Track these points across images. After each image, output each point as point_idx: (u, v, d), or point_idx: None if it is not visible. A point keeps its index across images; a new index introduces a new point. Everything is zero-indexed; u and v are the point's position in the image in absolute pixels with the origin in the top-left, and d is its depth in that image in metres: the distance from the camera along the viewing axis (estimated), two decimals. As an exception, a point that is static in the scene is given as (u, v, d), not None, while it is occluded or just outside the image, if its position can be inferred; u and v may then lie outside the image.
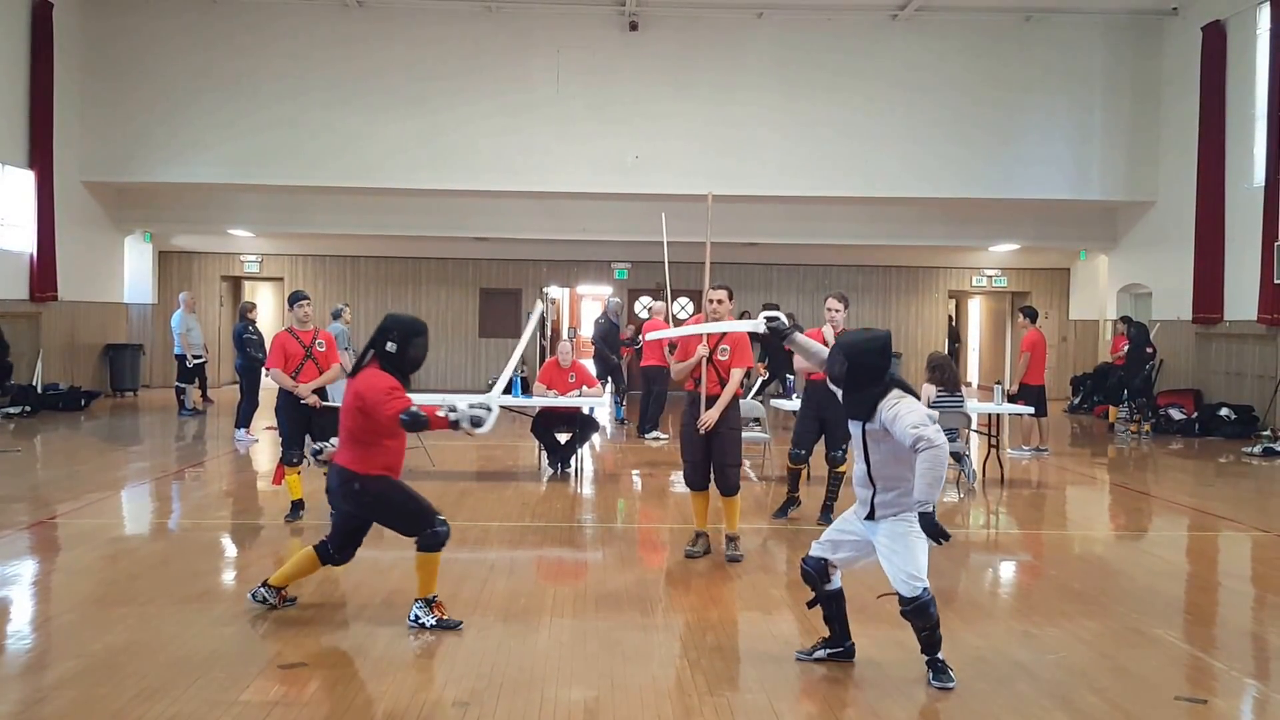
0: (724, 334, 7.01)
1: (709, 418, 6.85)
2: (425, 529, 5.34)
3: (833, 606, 4.90)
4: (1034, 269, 21.77)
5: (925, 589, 4.56)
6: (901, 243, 19.89)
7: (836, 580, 4.90)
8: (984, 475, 10.75)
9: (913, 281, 21.69)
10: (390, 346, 5.31)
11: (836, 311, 8.06)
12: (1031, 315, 12.87)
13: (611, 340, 15.28)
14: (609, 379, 15.28)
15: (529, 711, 4.31)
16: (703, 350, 6.96)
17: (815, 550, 4.88)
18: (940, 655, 4.67)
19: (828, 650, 4.93)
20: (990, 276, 22.11)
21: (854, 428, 4.75)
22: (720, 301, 7.05)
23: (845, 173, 17.09)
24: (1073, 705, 4.47)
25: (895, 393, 4.59)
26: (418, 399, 5.24)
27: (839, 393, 4.79)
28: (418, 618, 5.39)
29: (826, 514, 8.14)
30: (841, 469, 8.20)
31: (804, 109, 17.09)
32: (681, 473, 7.20)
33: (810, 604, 4.95)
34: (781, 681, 4.73)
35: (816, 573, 4.85)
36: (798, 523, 8.33)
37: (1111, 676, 4.87)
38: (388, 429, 5.24)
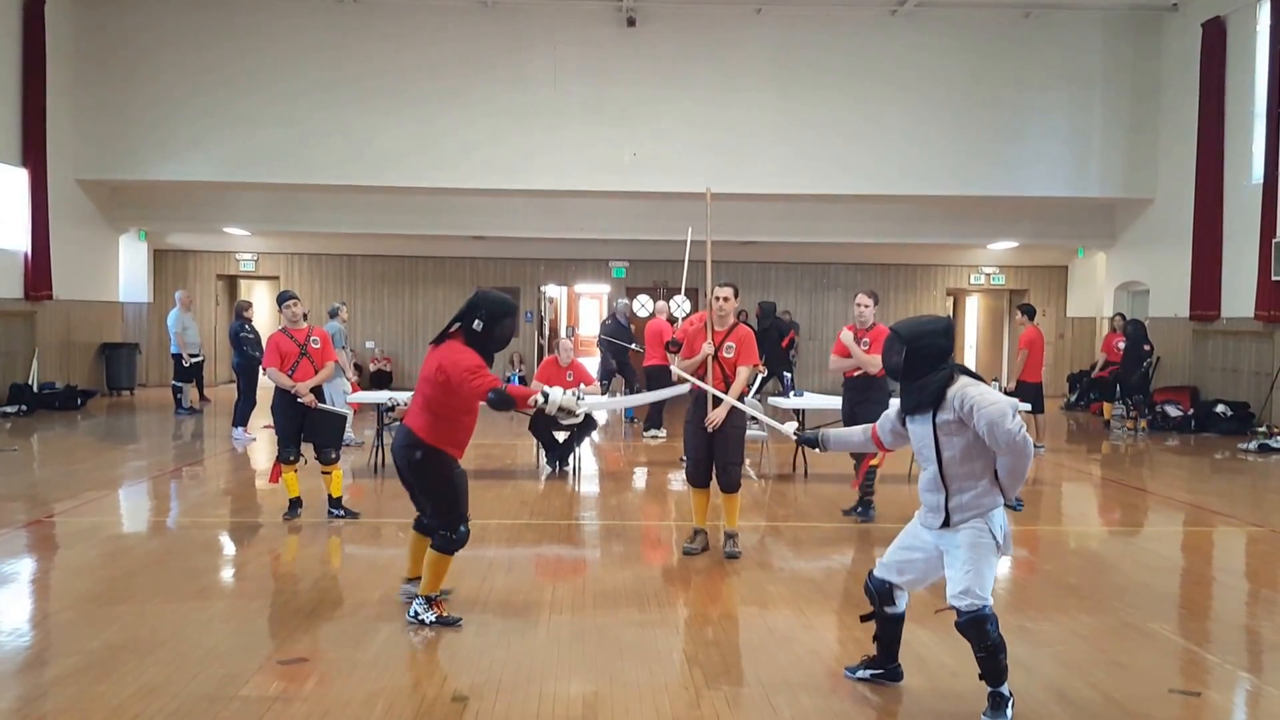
0: (730, 330, 7.08)
1: (716, 416, 6.85)
2: (450, 526, 5.33)
3: (887, 630, 4.54)
4: (1032, 267, 21.81)
5: (987, 605, 4.13)
6: (900, 241, 19.90)
7: (901, 604, 4.50)
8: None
9: (911, 279, 21.73)
10: (477, 324, 5.26)
11: (866, 308, 8.08)
12: (1030, 313, 12.88)
13: (621, 339, 14.96)
14: (619, 377, 15.18)
15: (528, 706, 4.33)
16: (708, 348, 6.99)
17: (879, 571, 4.49)
18: (1006, 689, 4.18)
19: (871, 671, 4.62)
20: (988, 274, 22.15)
21: (917, 425, 4.29)
22: (726, 299, 7.12)
23: (844, 170, 17.11)
24: (1068, 698, 4.50)
25: (964, 379, 4.17)
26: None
27: (895, 387, 4.58)
28: (417, 614, 5.40)
29: (863, 509, 8.30)
30: (875, 462, 8.27)
31: (802, 106, 17.09)
32: (681, 471, 7.22)
33: (865, 618, 4.62)
34: (778, 676, 4.75)
35: (879, 594, 4.48)
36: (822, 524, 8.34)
37: (1106, 670, 4.90)
38: (465, 405, 5.23)
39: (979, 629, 4.10)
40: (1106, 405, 15.90)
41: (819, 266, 21.55)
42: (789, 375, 14.36)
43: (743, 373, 7.03)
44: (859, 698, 4.48)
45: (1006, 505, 4.17)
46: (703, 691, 4.53)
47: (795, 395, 11.20)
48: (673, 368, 7.24)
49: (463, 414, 5.33)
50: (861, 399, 8.08)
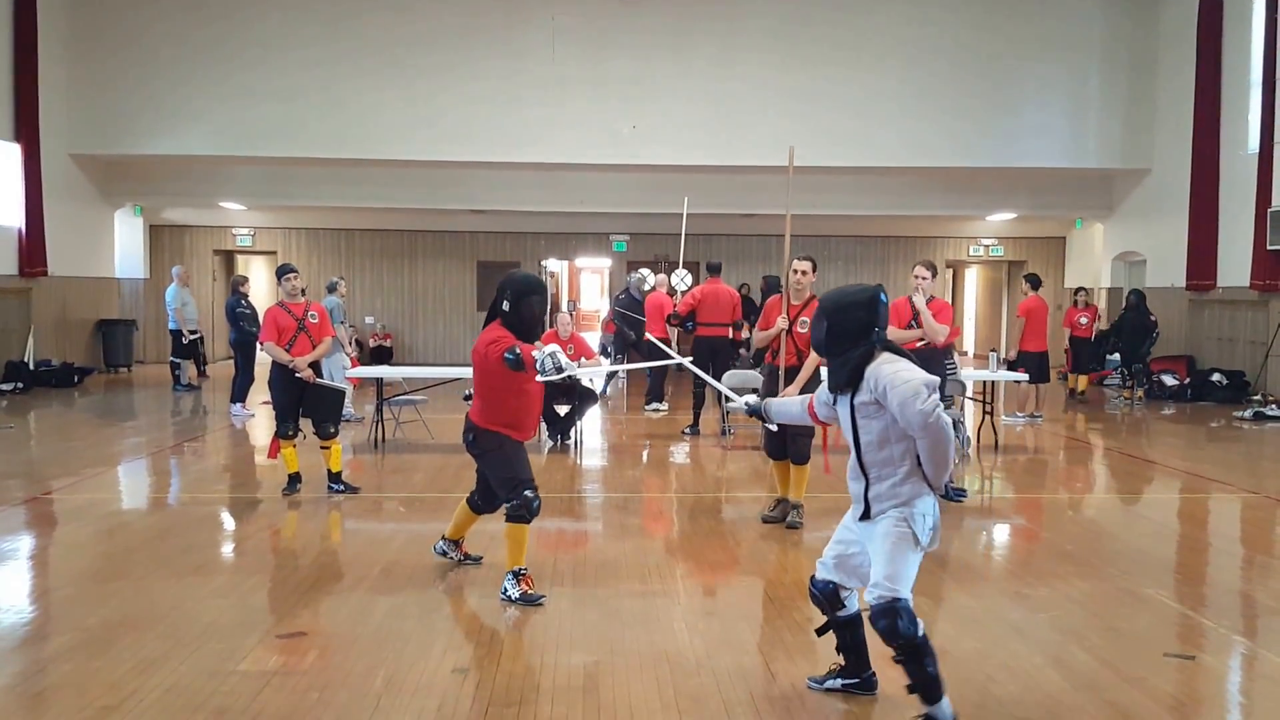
0: (805, 305, 7.12)
1: (790, 393, 6.78)
2: (513, 495, 5.38)
3: (847, 635, 4.11)
4: (1030, 238, 21.77)
5: (900, 600, 3.70)
6: (899, 213, 19.85)
7: (852, 605, 4.09)
8: (978, 441, 10.80)
9: (910, 252, 21.66)
10: (505, 305, 5.38)
11: (925, 279, 7.99)
12: (1034, 282, 12.87)
13: (636, 313, 14.67)
14: (634, 352, 15.05)
15: (529, 677, 4.35)
16: (782, 322, 7.04)
17: (820, 573, 4.09)
18: (944, 711, 3.70)
19: (842, 681, 4.17)
20: (987, 246, 22.11)
21: (840, 406, 3.96)
22: (805, 273, 7.16)
23: (843, 143, 17.00)
24: (1064, 663, 4.52)
25: (885, 355, 3.83)
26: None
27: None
28: (505, 590, 5.39)
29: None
30: None
31: (802, 78, 16.96)
32: (684, 444, 7.18)
33: (820, 631, 4.22)
34: (778, 645, 4.77)
35: (825, 597, 4.06)
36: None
37: (1102, 635, 4.92)
38: (506, 384, 5.31)
39: (888, 623, 3.66)
40: (1082, 378, 15.40)
41: (819, 239, 21.46)
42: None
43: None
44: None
45: (943, 496, 3.87)
46: (703, 661, 4.55)
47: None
48: (754, 338, 7.53)
49: (507, 394, 5.39)
50: (926, 371, 8.04)
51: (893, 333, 8.08)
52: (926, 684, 3.70)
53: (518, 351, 5.09)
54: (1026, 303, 12.71)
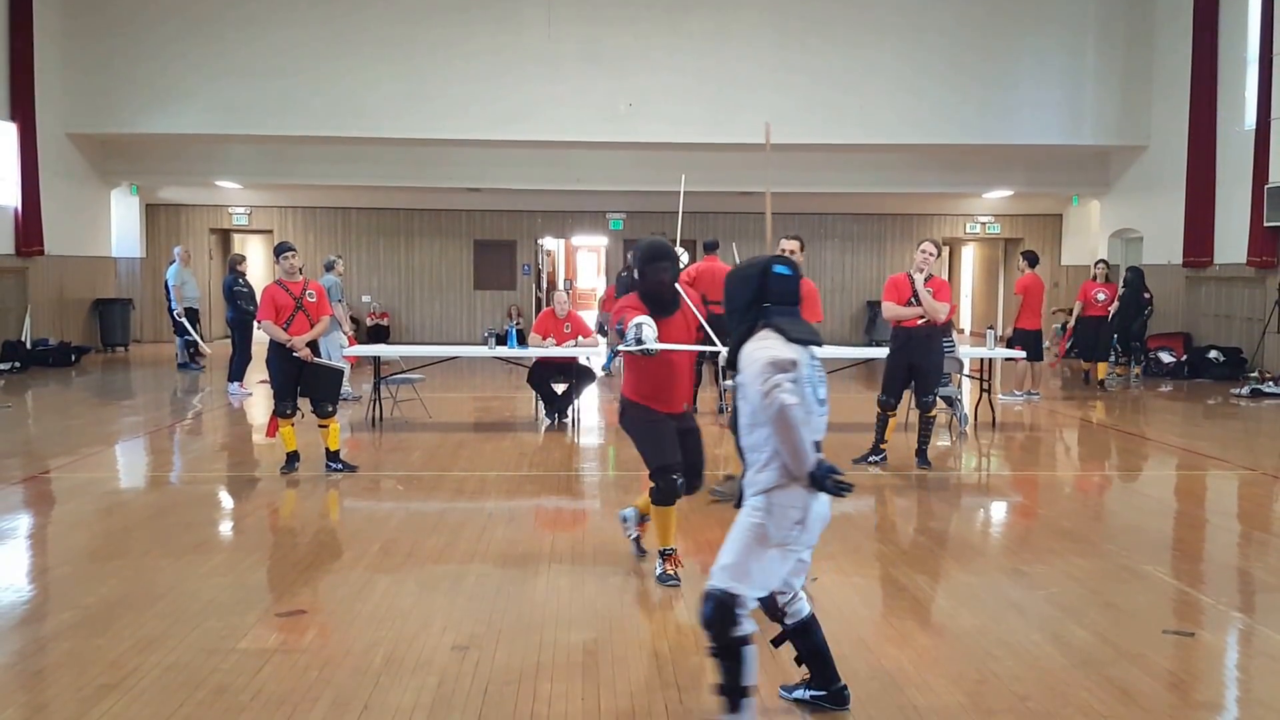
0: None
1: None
2: (655, 477, 5.28)
3: (801, 643, 3.75)
4: (1027, 215, 21.73)
5: (725, 591, 3.39)
6: (895, 190, 19.82)
7: (801, 610, 3.71)
8: (976, 419, 10.82)
9: (907, 229, 21.63)
10: (635, 273, 5.28)
11: (930, 255, 7.98)
12: (1031, 259, 12.82)
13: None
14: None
15: (528, 653, 4.36)
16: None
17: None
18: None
19: (810, 693, 3.81)
20: (984, 223, 22.07)
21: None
22: (793, 252, 7.44)
23: (839, 120, 16.94)
24: (1062, 640, 4.54)
25: (763, 333, 3.47)
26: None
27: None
28: (660, 570, 5.35)
29: (922, 458, 8.30)
30: (932, 414, 8.31)
31: (797, 54, 16.88)
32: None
33: (775, 642, 3.80)
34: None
35: (766, 608, 3.70)
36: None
37: (1101, 611, 4.94)
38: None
39: (706, 610, 3.42)
40: (1100, 365, 13.98)
41: (815, 217, 21.43)
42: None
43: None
44: (860, 643, 4.49)
45: (815, 487, 3.36)
46: (702, 639, 4.54)
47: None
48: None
49: (644, 365, 5.21)
50: (925, 349, 8.08)
51: (892, 309, 8.08)
52: (730, 691, 3.42)
53: (625, 320, 4.99)
54: (1024, 280, 12.69)
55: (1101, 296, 13.75)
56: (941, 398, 9.31)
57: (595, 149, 18.09)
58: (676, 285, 5.31)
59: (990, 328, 12.39)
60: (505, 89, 16.64)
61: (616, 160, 18.48)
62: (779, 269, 3.56)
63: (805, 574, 3.73)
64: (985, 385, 11.06)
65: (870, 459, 8.39)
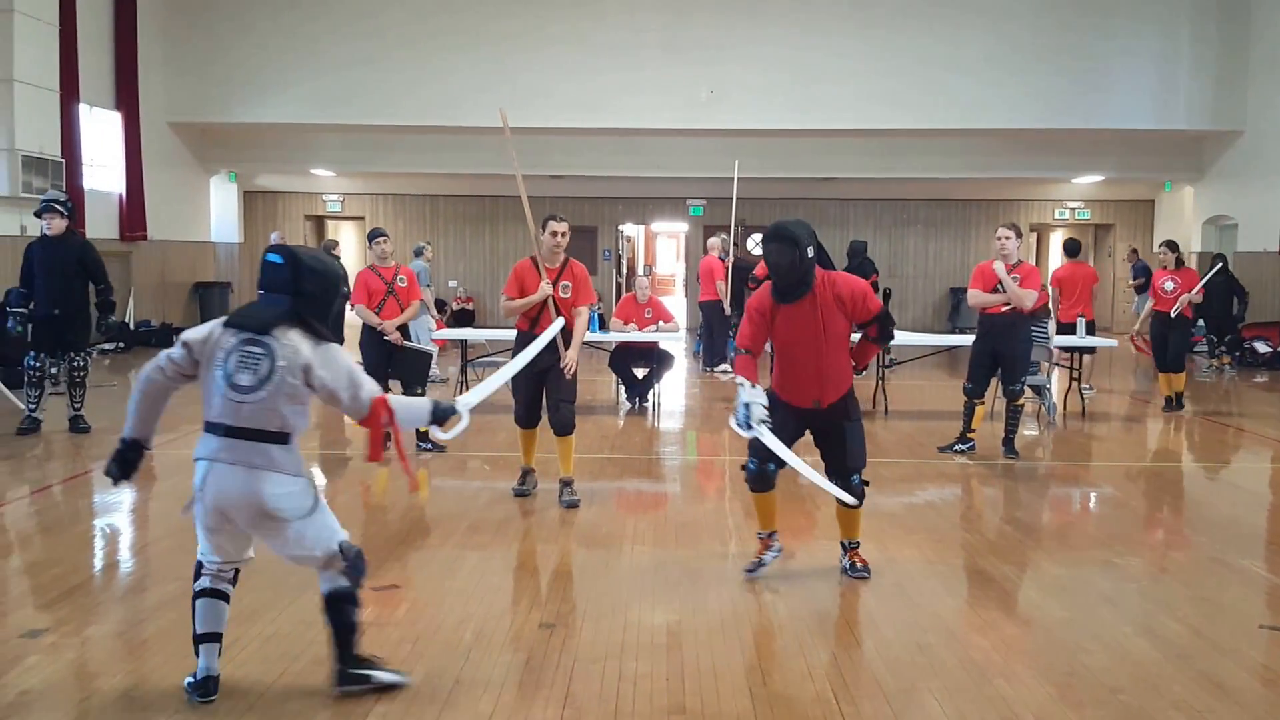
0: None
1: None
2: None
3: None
4: (1118, 201, 21.12)
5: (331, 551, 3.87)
6: (981, 175, 19.40)
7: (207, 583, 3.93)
8: (1064, 408, 10.59)
9: (992, 215, 21.15)
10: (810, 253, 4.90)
11: (1009, 239, 7.80)
12: (1070, 249, 11.61)
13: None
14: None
15: (613, 633, 4.43)
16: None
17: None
18: (363, 672, 3.81)
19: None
20: (1073, 209, 21.51)
21: None
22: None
23: (924, 104, 16.66)
24: (1155, 633, 4.45)
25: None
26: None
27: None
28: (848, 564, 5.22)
29: (1009, 447, 8.17)
30: (1020, 402, 8.14)
31: (881, 38, 16.62)
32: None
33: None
34: (861, 609, 4.78)
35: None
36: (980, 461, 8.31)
37: (1194, 605, 4.83)
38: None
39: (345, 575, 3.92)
40: (1177, 377, 10.75)
41: (898, 203, 21.11)
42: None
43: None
44: (947, 633, 4.47)
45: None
46: (786, 625, 4.59)
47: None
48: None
49: (778, 354, 5.09)
50: (1010, 337, 7.92)
51: (976, 296, 7.94)
52: (347, 642, 3.84)
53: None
54: (1059, 271, 11.64)
55: (1169, 287, 10.77)
56: (1030, 386, 9.13)
57: (675, 135, 18.07)
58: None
59: (1080, 315, 12.05)
60: (587, 77, 16.72)
61: (697, 146, 18.44)
62: (268, 257, 3.74)
63: (249, 547, 3.99)
64: (1075, 374, 10.82)
65: (956, 447, 8.29)
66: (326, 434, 9.50)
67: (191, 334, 3.72)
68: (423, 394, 8.28)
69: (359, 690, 3.78)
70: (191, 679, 3.75)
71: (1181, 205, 19.58)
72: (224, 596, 3.83)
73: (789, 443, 4.92)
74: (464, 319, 20.59)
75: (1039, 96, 16.63)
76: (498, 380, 4.26)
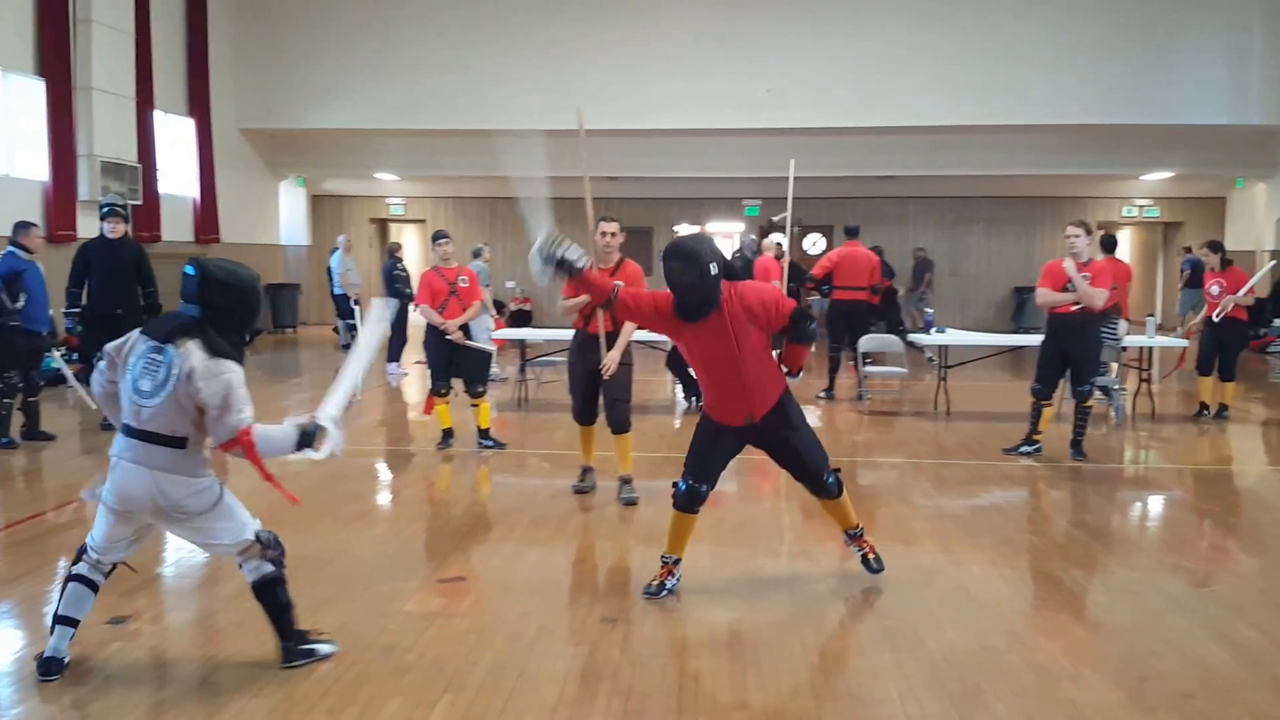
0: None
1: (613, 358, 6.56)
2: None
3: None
4: (1186, 198, 20.63)
5: (248, 541, 4.16)
6: (1046, 172, 19.06)
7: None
8: (1134, 409, 10.38)
9: (1059, 212, 20.77)
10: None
11: (1077, 238, 7.69)
12: (1107, 244, 10.53)
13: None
14: None
15: (674, 629, 4.47)
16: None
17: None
18: (308, 646, 4.06)
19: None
20: (1141, 206, 21.06)
21: None
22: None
23: (987, 99, 16.42)
24: (1229, 639, 4.36)
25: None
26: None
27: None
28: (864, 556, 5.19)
29: (1077, 449, 8.07)
30: (1089, 403, 8.02)
31: (939, 34, 16.42)
32: (819, 407, 7.10)
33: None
34: (924, 611, 4.72)
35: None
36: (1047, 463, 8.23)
37: (1269, 611, 4.71)
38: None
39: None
40: (1229, 387, 10.30)
41: (959, 200, 20.85)
42: (930, 311, 14.03)
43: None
44: (1013, 636, 4.42)
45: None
46: (848, 625, 4.58)
47: (937, 332, 10.97)
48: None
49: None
50: (1079, 337, 7.80)
51: (1045, 295, 7.82)
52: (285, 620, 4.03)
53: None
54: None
55: (1215, 290, 10.03)
56: (1099, 387, 8.96)
57: (731, 135, 18.04)
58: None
59: (1150, 315, 11.80)
60: (642, 78, 16.77)
61: (752, 146, 18.38)
62: (185, 269, 3.94)
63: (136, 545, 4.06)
64: (1144, 375, 10.60)
65: (1023, 449, 8.17)
66: (391, 431, 9.67)
67: (112, 344, 3.93)
68: (484, 392, 8.41)
69: (304, 664, 3.99)
70: (38, 656, 3.92)
71: (1254, 203, 19.05)
72: (94, 586, 3.97)
73: (726, 459, 5.02)
74: (521, 319, 20.75)
75: (1106, 90, 16.29)
76: (345, 386, 4.39)
